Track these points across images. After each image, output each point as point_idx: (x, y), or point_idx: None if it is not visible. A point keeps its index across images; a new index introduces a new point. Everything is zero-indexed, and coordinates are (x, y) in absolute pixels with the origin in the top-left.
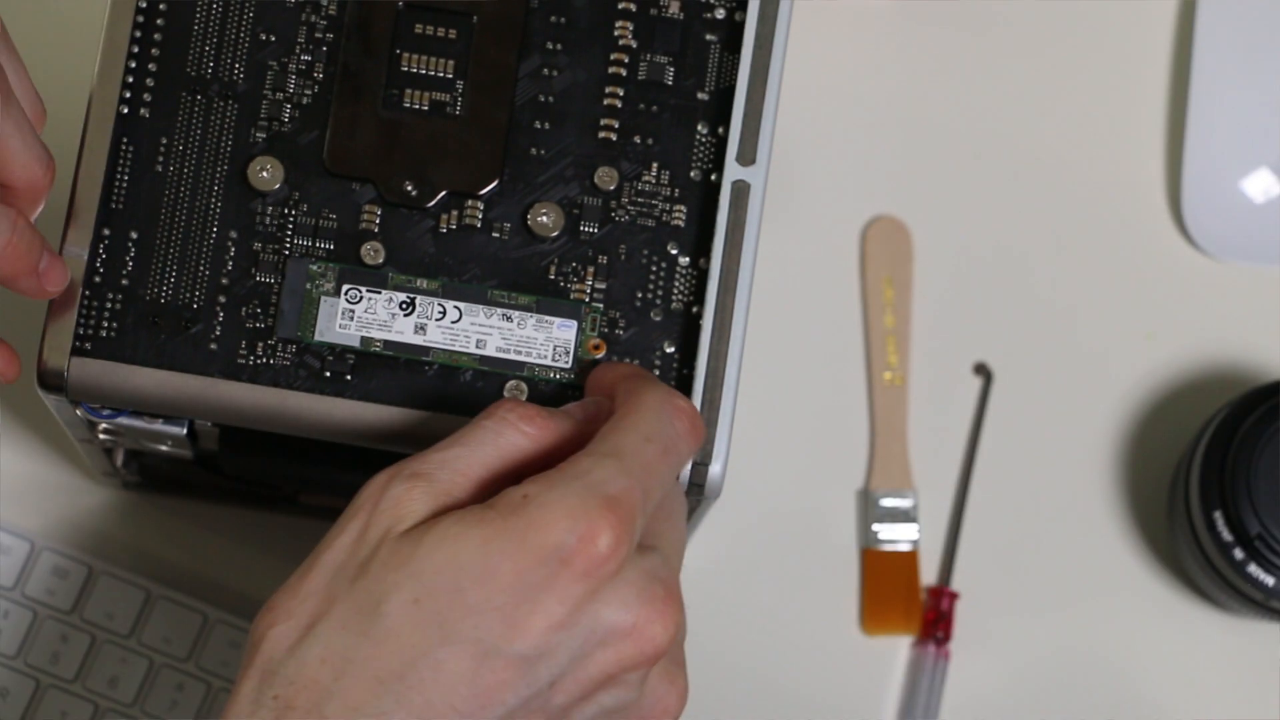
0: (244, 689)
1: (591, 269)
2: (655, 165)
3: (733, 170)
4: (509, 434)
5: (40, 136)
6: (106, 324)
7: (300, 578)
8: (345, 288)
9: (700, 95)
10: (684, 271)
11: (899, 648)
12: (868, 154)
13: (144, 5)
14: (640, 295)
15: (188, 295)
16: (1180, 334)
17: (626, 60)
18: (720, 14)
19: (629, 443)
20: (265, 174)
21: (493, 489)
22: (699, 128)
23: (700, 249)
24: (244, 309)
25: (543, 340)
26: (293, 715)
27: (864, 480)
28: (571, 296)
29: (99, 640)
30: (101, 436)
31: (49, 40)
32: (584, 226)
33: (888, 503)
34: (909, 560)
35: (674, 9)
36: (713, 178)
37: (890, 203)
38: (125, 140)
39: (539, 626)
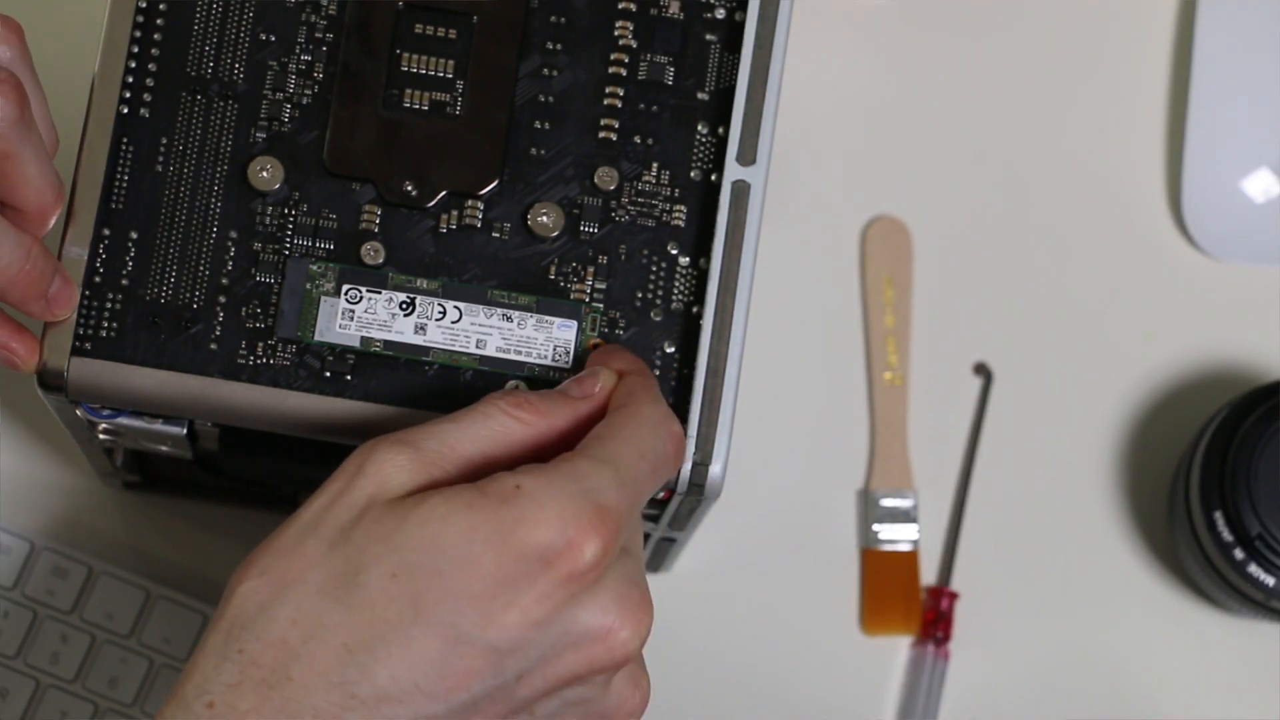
0: (210, 641)
1: (591, 269)
2: (655, 165)
3: (733, 170)
4: (500, 418)
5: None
6: (106, 324)
7: (277, 535)
8: (345, 288)
9: (700, 95)
10: (684, 271)
11: (899, 648)
12: (868, 154)
13: (144, 5)
14: (640, 295)
15: (188, 295)
16: (1180, 334)
17: (626, 60)
18: (720, 14)
19: (625, 454)
20: (265, 174)
21: (482, 470)
22: (699, 128)
23: (700, 249)
24: (244, 309)
25: (543, 340)
26: (257, 672)
27: (864, 480)
28: (571, 296)
29: (99, 640)
30: (101, 436)
31: (49, 40)
32: (584, 226)
33: (888, 503)
34: (909, 560)
35: (674, 9)
36: (713, 178)
37: (890, 203)
38: (125, 140)
39: (514, 621)
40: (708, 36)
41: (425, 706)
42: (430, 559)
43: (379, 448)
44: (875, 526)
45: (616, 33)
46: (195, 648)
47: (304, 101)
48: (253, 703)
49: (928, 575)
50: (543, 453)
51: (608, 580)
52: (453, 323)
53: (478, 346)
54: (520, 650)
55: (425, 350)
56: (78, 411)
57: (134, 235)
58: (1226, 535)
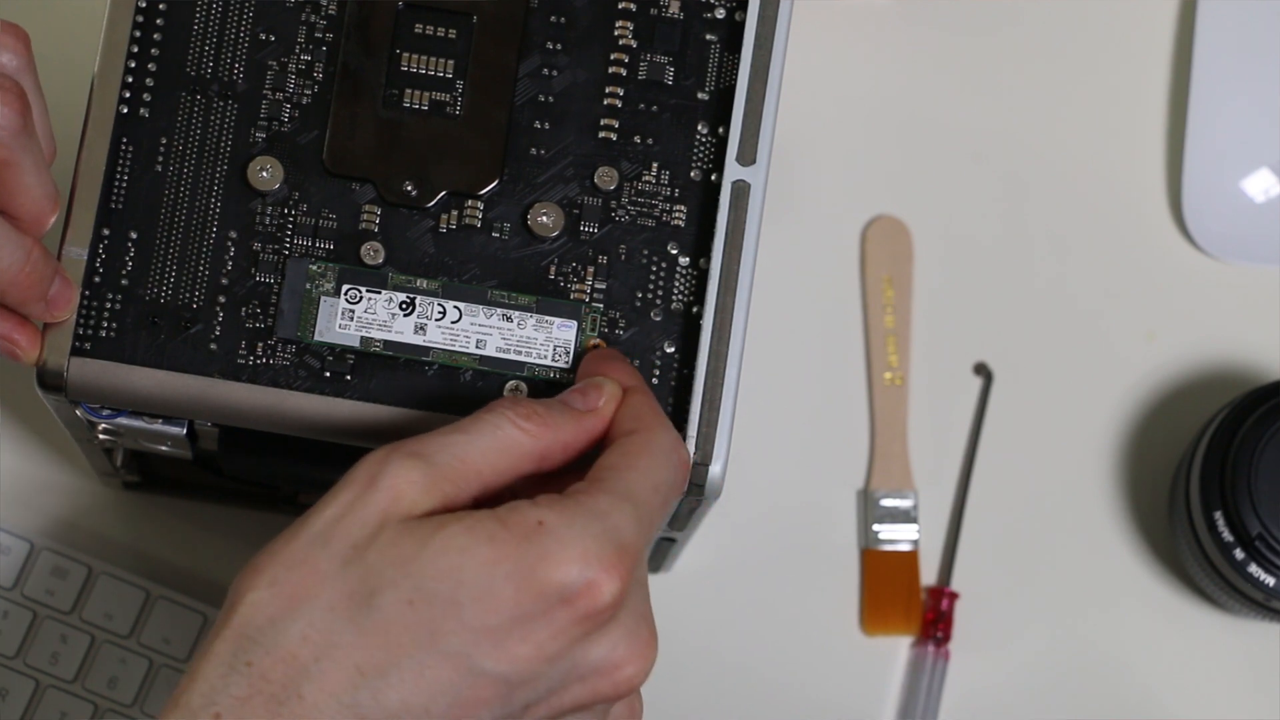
0: (216, 648)
1: (591, 269)
2: (655, 165)
3: (733, 170)
4: (508, 429)
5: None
6: (106, 324)
7: (285, 542)
8: (345, 288)
9: (700, 95)
10: (684, 271)
11: (899, 648)
12: (868, 154)
13: (144, 5)
14: (640, 295)
15: (187, 295)
16: (1180, 334)
17: (626, 60)
18: (720, 14)
19: (642, 489)
20: (265, 174)
21: (493, 482)
22: (699, 128)
23: (700, 249)
24: (244, 309)
25: (542, 340)
26: (267, 687)
27: (864, 480)
28: (571, 296)
29: (98, 640)
30: (101, 436)
31: (49, 39)
32: (584, 226)
33: (888, 503)
34: (909, 560)
35: (674, 9)
36: (713, 178)
37: (890, 203)
38: (125, 140)
39: (527, 655)
40: (708, 36)
41: None
42: (449, 589)
43: (391, 460)
44: (875, 526)
45: (616, 32)
46: (196, 652)
47: (304, 101)
48: (262, 718)
49: (928, 575)
50: (547, 463)
51: (620, 617)
52: (452, 323)
53: (477, 346)
54: (530, 683)
55: (425, 350)
56: (77, 411)
57: (134, 235)
58: (1226, 535)
